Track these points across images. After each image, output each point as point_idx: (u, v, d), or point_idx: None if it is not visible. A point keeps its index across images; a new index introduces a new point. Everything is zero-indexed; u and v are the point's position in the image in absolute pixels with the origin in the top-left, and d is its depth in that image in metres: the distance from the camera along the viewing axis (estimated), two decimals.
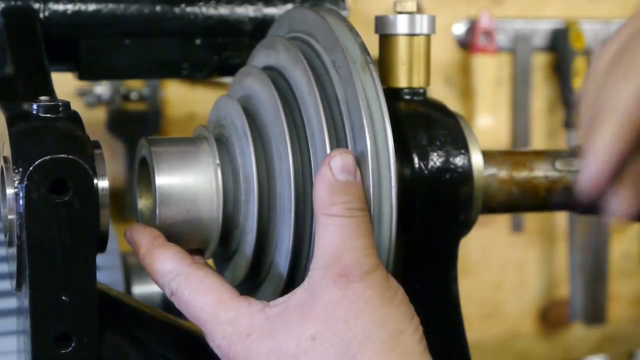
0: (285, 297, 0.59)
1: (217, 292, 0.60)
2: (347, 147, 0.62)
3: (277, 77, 0.67)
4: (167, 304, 1.03)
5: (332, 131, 0.63)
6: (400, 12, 0.72)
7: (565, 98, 1.73)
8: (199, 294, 0.60)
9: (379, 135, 0.61)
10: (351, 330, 0.56)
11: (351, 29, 0.65)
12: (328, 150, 0.61)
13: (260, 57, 0.71)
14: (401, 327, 0.57)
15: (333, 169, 0.60)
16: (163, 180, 0.64)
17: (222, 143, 0.67)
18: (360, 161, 0.61)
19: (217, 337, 0.59)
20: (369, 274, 0.57)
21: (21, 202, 0.55)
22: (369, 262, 0.58)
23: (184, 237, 0.65)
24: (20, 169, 0.55)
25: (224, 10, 0.81)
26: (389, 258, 0.62)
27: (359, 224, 0.59)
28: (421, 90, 0.73)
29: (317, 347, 0.56)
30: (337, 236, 0.58)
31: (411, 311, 0.59)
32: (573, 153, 0.77)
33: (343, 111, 0.63)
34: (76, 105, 0.81)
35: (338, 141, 0.63)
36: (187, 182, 0.64)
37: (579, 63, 1.70)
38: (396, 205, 0.61)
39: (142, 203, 0.68)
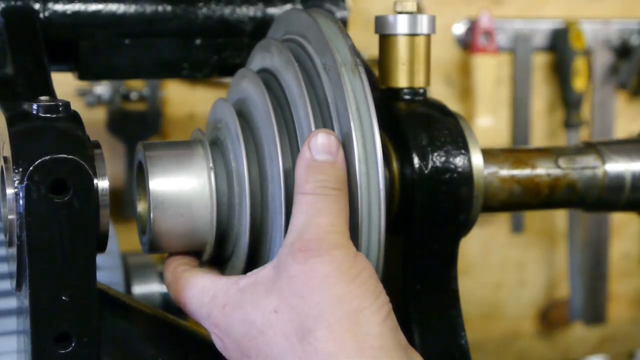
0: (258, 269, 0.61)
1: (200, 283, 0.63)
2: None
3: (270, 80, 0.67)
4: (167, 304, 1.03)
5: None
6: (400, 12, 0.72)
7: (565, 98, 1.73)
8: (187, 291, 0.63)
9: (367, 139, 0.61)
10: (307, 306, 0.57)
11: (342, 31, 0.65)
12: None
13: (257, 59, 0.72)
14: (360, 306, 0.57)
15: (312, 149, 0.61)
16: (157, 184, 0.64)
17: (217, 146, 0.67)
18: (348, 164, 0.61)
19: (205, 317, 0.62)
20: (330, 251, 0.58)
21: (21, 202, 0.55)
22: (331, 239, 0.58)
23: (180, 240, 0.65)
24: (20, 169, 0.55)
25: (224, 10, 0.81)
26: (379, 261, 0.62)
27: (328, 203, 0.59)
28: (421, 90, 0.73)
29: (279, 320, 0.57)
30: (304, 214, 0.59)
31: (376, 290, 0.58)
32: (576, 150, 0.77)
33: (332, 114, 0.63)
34: (76, 105, 0.80)
35: None
36: (181, 186, 0.64)
37: (579, 63, 1.69)
38: (384, 207, 0.61)
39: (141, 206, 0.69)
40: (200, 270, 0.65)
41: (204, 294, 0.62)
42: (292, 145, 0.64)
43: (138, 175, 0.68)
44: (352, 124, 0.61)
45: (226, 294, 0.61)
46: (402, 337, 0.59)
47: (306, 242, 0.58)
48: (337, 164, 0.61)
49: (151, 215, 0.64)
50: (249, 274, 0.61)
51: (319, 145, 0.60)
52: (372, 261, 0.62)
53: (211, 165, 0.65)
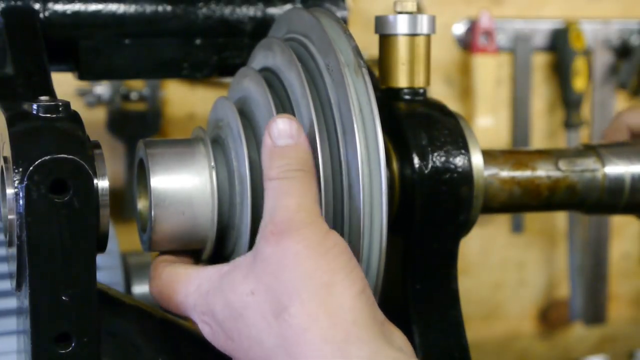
0: (240, 257, 0.62)
1: (184, 275, 0.64)
2: (339, 151, 0.62)
3: (273, 79, 0.67)
4: None
5: (324, 135, 0.63)
6: (400, 12, 0.72)
7: (565, 98, 1.73)
8: (172, 284, 0.64)
9: (370, 140, 0.61)
10: (281, 285, 0.57)
11: (345, 31, 0.65)
12: (320, 155, 0.62)
13: (259, 58, 0.72)
14: (332, 280, 0.57)
15: (272, 136, 0.62)
16: (158, 182, 0.64)
17: (219, 145, 0.67)
18: (351, 165, 0.61)
19: (191, 307, 0.62)
20: (299, 230, 0.58)
21: (21, 202, 0.55)
22: (299, 218, 0.59)
23: (180, 238, 0.65)
24: (20, 169, 0.55)
25: (224, 10, 0.81)
26: (380, 262, 0.62)
27: (293, 184, 0.60)
28: (421, 90, 0.73)
29: (255, 302, 0.58)
30: (273, 198, 0.60)
31: (349, 265, 0.59)
32: (576, 152, 0.77)
33: (335, 115, 0.63)
34: (76, 105, 0.80)
35: (330, 145, 0.63)
36: (183, 184, 0.64)
37: (579, 63, 1.69)
38: (386, 209, 0.61)
39: (141, 204, 0.69)
40: (184, 264, 0.66)
41: (190, 284, 0.63)
42: None
43: (139, 173, 0.68)
44: (355, 125, 0.61)
45: (209, 281, 0.62)
46: (379, 313, 0.59)
47: (277, 224, 0.59)
48: (298, 146, 0.61)
49: (152, 213, 0.64)
50: (232, 261, 0.62)
51: (279, 130, 0.61)
52: (374, 262, 0.62)
53: (213, 163, 0.65)
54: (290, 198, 0.60)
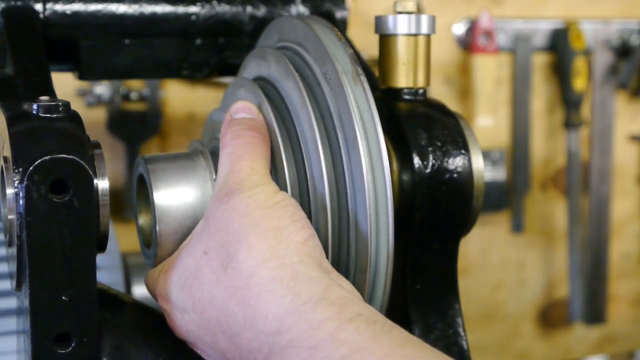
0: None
1: (159, 266, 0.65)
2: (341, 159, 0.62)
3: (268, 89, 0.67)
4: None
5: (326, 144, 0.63)
6: (400, 12, 0.72)
7: (565, 98, 1.73)
8: (154, 280, 0.66)
9: (372, 147, 0.61)
10: (229, 235, 0.58)
11: (340, 39, 0.65)
12: (323, 163, 0.62)
13: (252, 67, 0.71)
14: (279, 225, 0.58)
15: (231, 112, 0.65)
16: (161, 197, 0.64)
17: (218, 157, 0.67)
18: (355, 173, 0.61)
19: (159, 295, 0.64)
20: (251, 189, 0.60)
21: (21, 202, 0.55)
22: (252, 179, 0.60)
23: None
24: (20, 169, 0.55)
25: (224, 10, 0.81)
26: (388, 267, 0.62)
27: (247, 149, 0.62)
28: (421, 90, 0.73)
29: (208, 260, 0.59)
30: (226, 164, 0.62)
31: (296, 215, 0.59)
32: None
33: (336, 123, 0.63)
34: (76, 105, 0.80)
35: (332, 154, 0.63)
36: (185, 198, 0.64)
37: (579, 63, 1.69)
38: (392, 215, 0.61)
39: (143, 220, 0.68)
40: None
41: (157, 271, 0.65)
42: (296, 156, 0.64)
43: (138, 189, 0.68)
44: (357, 133, 0.61)
45: (169, 260, 0.63)
46: (325, 262, 0.60)
47: (230, 186, 0.60)
48: (254, 119, 0.64)
49: (157, 228, 0.64)
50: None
51: (238, 106, 0.65)
52: (382, 267, 0.62)
53: (214, 176, 0.65)
54: (244, 161, 0.61)
